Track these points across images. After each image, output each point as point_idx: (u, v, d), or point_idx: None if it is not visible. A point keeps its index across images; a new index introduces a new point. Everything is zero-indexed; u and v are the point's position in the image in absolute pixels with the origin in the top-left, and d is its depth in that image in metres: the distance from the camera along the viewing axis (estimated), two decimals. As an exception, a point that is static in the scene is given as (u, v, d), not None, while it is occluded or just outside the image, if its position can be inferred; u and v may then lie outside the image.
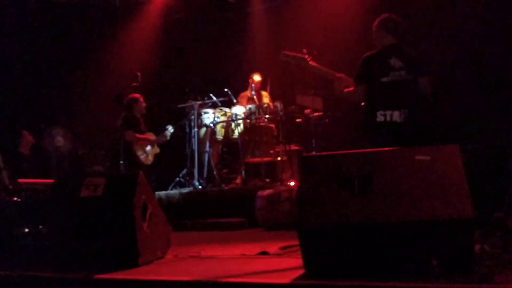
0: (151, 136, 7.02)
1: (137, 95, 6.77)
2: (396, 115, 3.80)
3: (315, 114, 7.28)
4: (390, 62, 3.88)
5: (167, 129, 7.20)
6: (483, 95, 6.63)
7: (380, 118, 3.82)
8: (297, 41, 4.29)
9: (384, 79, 3.86)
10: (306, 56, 4.12)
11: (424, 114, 3.93)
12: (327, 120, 7.53)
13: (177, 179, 7.68)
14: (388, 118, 3.80)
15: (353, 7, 7.99)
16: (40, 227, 3.85)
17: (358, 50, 7.05)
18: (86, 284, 3.09)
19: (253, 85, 7.58)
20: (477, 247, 2.82)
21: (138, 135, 6.74)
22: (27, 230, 3.89)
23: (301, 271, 2.78)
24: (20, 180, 5.47)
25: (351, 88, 4.00)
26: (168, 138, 7.23)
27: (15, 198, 4.82)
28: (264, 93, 7.81)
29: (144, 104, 6.89)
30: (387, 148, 3.03)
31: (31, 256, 3.77)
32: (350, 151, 3.00)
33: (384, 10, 4.22)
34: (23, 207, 4.26)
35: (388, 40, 4.00)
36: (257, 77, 7.64)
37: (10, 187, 5.16)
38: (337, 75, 4.06)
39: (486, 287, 2.30)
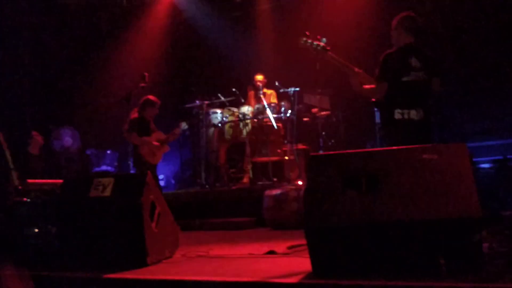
0: (159, 135, 7.01)
1: (155, 100, 6.64)
2: (413, 114, 3.83)
3: (322, 113, 7.27)
4: (411, 62, 3.89)
5: (180, 126, 7.00)
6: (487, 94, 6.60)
7: (397, 116, 3.84)
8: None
9: (405, 79, 3.87)
10: (325, 45, 4.12)
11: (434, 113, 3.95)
12: (334, 119, 7.53)
13: (185, 178, 7.71)
14: (405, 116, 3.83)
15: (358, 5, 7.98)
16: (49, 227, 3.89)
17: (364, 48, 7.08)
18: (95, 283, 3.12)
19: (259, 84, 7.56)
20: (485, 245, 2.81)
21: (144, 138, 6.68)
22: (36, 230, 3.93)
23: (308, 271, 2.78)
24: (29, 180, 5.51)
25: (371, 86, 3.98)
26: (179, 135, 7.11)
27: (25, 199, 4.86)
28: (269, 92, 7.76)
29: (157, 111, 6.78)
30: (394, 147, 3.02)
31: (40, 256, 3.80)
32: (358, 150, 2.99)
33: (391, 9, 4.20)
34: (33, 207, 4.30)
35: (406, 39, 3.99)
36: (259, 77, 7.61)
37: (20, 187, 5.20)
38: (356, 70, 4.04)
39: (494, 286, 2.29)
